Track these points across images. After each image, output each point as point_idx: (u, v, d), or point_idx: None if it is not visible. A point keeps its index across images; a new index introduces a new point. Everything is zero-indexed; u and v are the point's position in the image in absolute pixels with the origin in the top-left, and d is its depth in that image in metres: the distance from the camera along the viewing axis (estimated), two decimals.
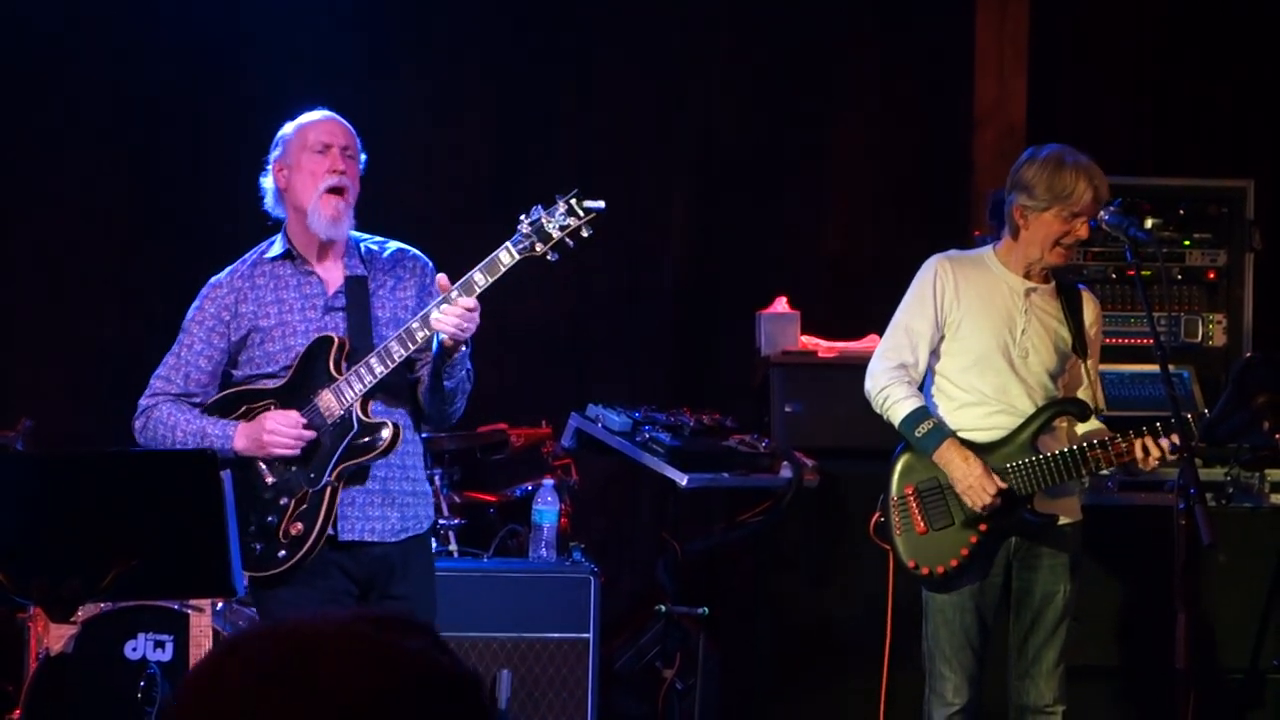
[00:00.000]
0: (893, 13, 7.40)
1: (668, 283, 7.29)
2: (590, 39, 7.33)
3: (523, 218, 4.39)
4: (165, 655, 5.28)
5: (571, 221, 4.37)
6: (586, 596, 5.73)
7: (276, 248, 4.57)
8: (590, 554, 5.92)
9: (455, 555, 5.89)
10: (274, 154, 4.59)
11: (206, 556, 3.69)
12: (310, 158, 4.49)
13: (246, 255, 4.62)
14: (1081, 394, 5.00)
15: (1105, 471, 4.96)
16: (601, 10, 7.32)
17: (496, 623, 5.69)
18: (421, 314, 4.37)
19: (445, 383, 4.45)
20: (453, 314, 4.31)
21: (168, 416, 4.47)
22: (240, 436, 4.39)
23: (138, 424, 4.53)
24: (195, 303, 4.58)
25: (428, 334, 4.35)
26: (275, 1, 7.10)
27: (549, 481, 5.98)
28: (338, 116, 4.62)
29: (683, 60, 7.35)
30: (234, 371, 4.54)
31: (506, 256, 4.36)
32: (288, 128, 4.59)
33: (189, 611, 5.22)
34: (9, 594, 3.66)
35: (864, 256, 7.30)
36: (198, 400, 4.51)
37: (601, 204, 4.40)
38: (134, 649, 5.31)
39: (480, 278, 4.35)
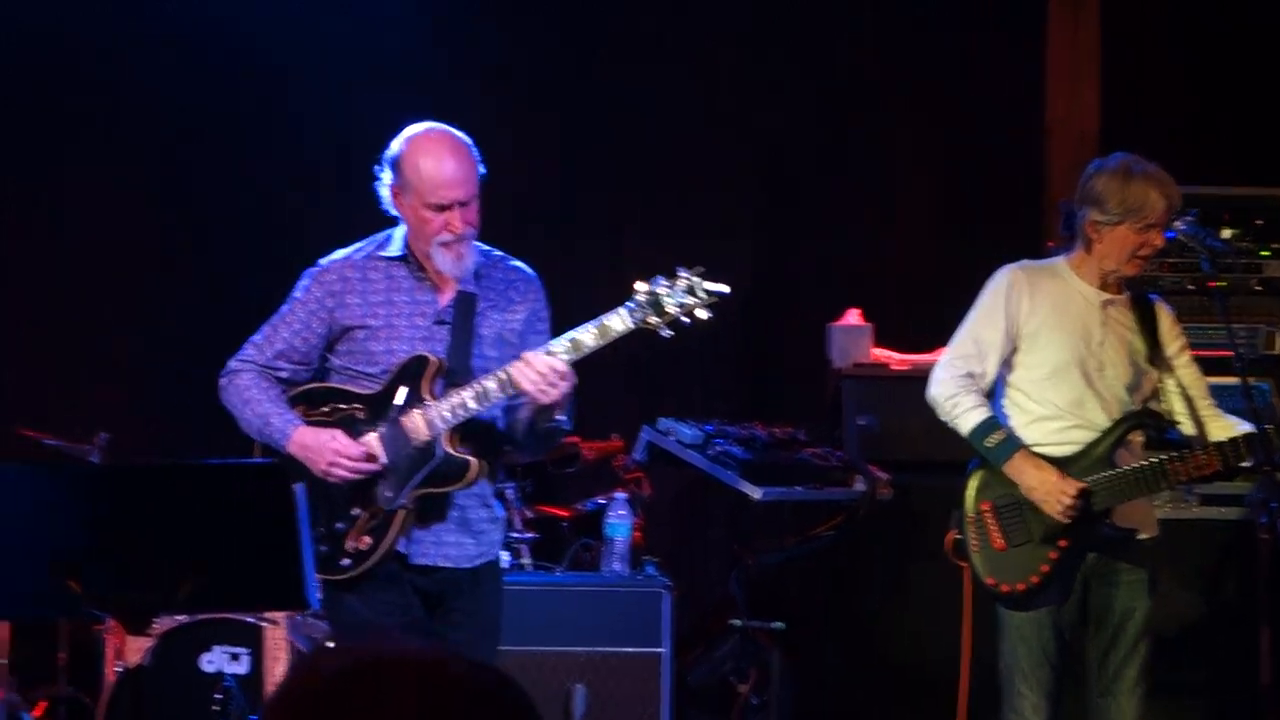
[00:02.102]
0: (963, 21, 7.35)
1: (738, 295, 7.26)
2: (656, 52, 7.33)
3: (640, 285, 4.22)
4: (241, 668, 5.30)
5: (690, 300, 4.21)
6: (660, 610, 5.71)
7: (395, 248, 4.42)
8: (663, 568, 5.90)
9: (528, 569, 5.89)
10: (390, 174, 4.38)
11: (279, 570, 3.70)
12: (430, 212, 4.31)
13: (362, 245, 4.47)
14: (1160, 408, 4.94)
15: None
16: (667, 24, 7.32)
17: (570, 637, 5.68)
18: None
19: (540, 428, 4.37)
20: (533, 369, 4.18)
21: (245, 389, 4.39)
22: (297, 443, 4.31)
23: (220, 382, 4.44)
24: (304, 280, 4.45)
25: None
26: (304, 7, 7.16)
27: (621, 495, 5.97)
28: (460, 156, 4.34)
29: (751, 72, 7.33)
30: (331, 358, 4.44)
31: (619, 323, 4.23)
32: (407, 159, 4.33)
33: (264, 624, 5.24)
34: (86, 606, 3.68)
35: (935, 268, 7.26)
36: (284, 375, 4.42)
37: (726, 288, 4.23)
38: (209, 662, 5.33)
39: (588, 339, 4.23)
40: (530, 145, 7.23)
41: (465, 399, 4.27)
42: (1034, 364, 4.90)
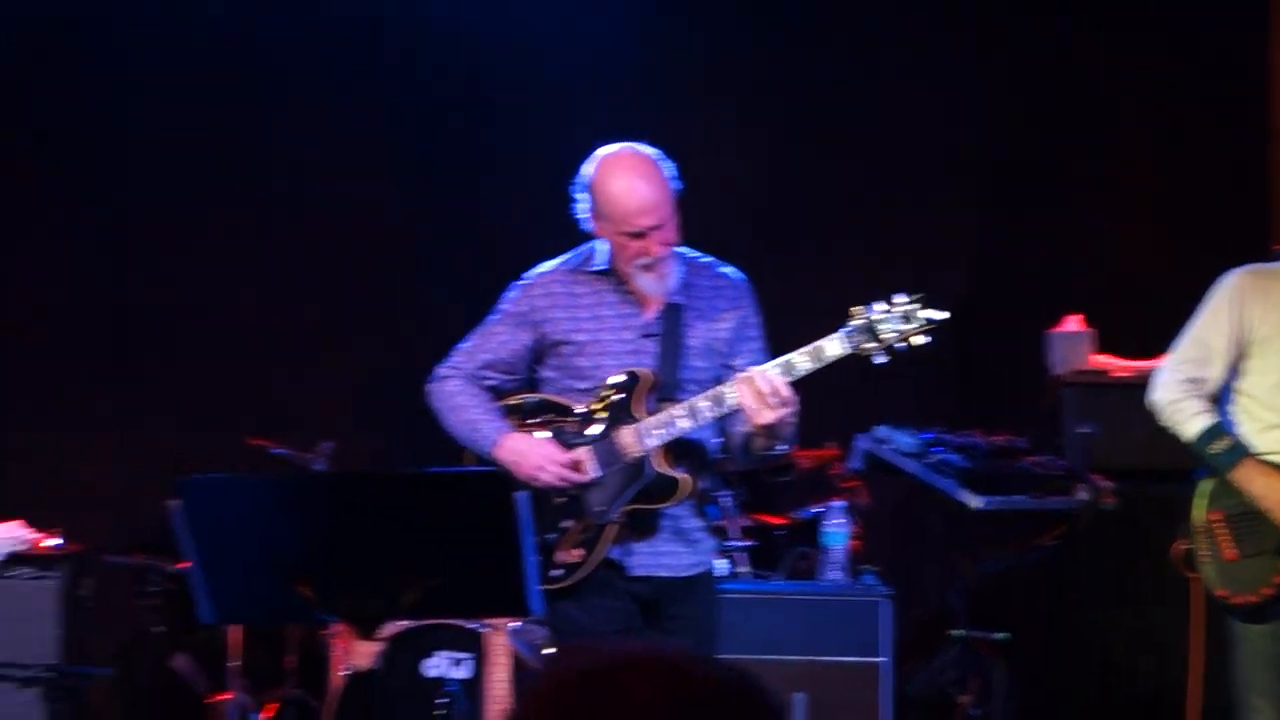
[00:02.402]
0: (1185, 24, 7.20)
1: (953, 301, 7.19)
2: (874, 56, 7.29)
3: (856, 310, 4.15)
4: (463, 673, 5.37)
5: (907, 327, 4.14)
6: (879, 619, 5.66)
7: (600, 262, 4.40)
8: (882, 576, 5.85)
9: (745, 577, 5.88)
10: (584, 197, 4.36)
11: (502, 577, 3.72)
12: (626, 239, 4.29)
13: (567, 258, 4.47)
14: None
15: None
16: (886, 28, 7.28)
17: (787, 646, 5.65)
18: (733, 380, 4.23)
19: (755, 451, 4.32)
20: (754, 386, 4.11)
21: (453, 395, 4.44)
22: (506, 448, 4.33)
23: (429, 388, 4.50)
24: (511, 292, 4.47)
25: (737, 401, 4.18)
26: (555, 13, 7.25)
27: (839, 503, 5.93)
28: (651, 179, 4.28)
29: (969, 75, 7.26)
30: (542, 370, 4.45)
31: (834, 348, 4.16)
32: (598, 186, 4.32)
33: (486, 630, 5.31)
34: (317, 612, 3.76)
35: (1157, 273, 7.11)
36: (491, 383, 4.45)
37: (945, 315, 4.14)
38: (432, 667, 5.41)
39: (803, 362, 4.16)
40: (746, 150, 7.24)
41: (676, 417, 4.25)
42: (1266, 370, 4.77)
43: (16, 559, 5.75)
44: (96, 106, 7.27)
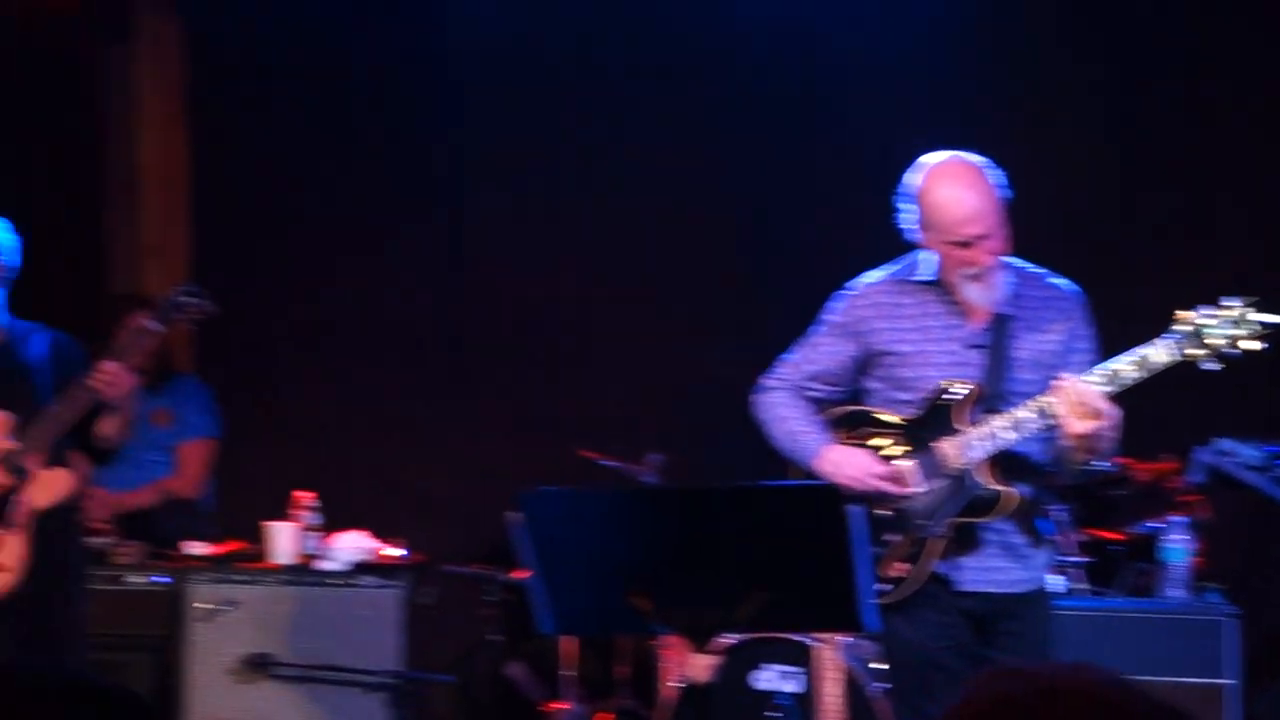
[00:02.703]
0: None
1: None
2: (1199, 57, 7.10)
3: (1182, 315, 4.05)
4: (794, 687, 5.37)
5: (1236, 333, 4.02)
6: (1223, 639, 5.47)
7: (926, 272, 4.37)
8: (1227, 595, 5.65)
9: (1081, 594, 5.75)
10: (910, 207, 4.33)
11: (835, 591, 3.72)
12: (952, 249, 4.26)
13: (892, 267, 4.45)
14: None
15: None
16: (1208, 28, 7.09)
17: (1125, 665, 5.42)
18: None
19: (1070, 465, 4.24)
20: (1067, 396, 4.05)
21: (774, 406, 4.49)
22: (826, 459, 4.35)
23: (754, 399, 4.55)
24: (838, 301, 4.48)
25: None
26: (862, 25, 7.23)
27: (1179, 518, 5.76)
28: (978, 188, 4.23)
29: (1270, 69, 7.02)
30: (867, 381, 4.45)
31: (1160, 355, 4.06)
32: (924, 196, 4.28)
33: (816, 644, 5.30)
34: (651, 622, 3.81)
35: None
36: (818, 395, 4.47)
37: (1278, 319, 3.99)
38: (764, 680, 5.42)
39: (1128, 370, 4.08)
40: (1072, 157, 7.11)
41: (998, 428, 4.20)
42: None
43: (362, 568, 5.96)
44: (432, 115, 7.51)
